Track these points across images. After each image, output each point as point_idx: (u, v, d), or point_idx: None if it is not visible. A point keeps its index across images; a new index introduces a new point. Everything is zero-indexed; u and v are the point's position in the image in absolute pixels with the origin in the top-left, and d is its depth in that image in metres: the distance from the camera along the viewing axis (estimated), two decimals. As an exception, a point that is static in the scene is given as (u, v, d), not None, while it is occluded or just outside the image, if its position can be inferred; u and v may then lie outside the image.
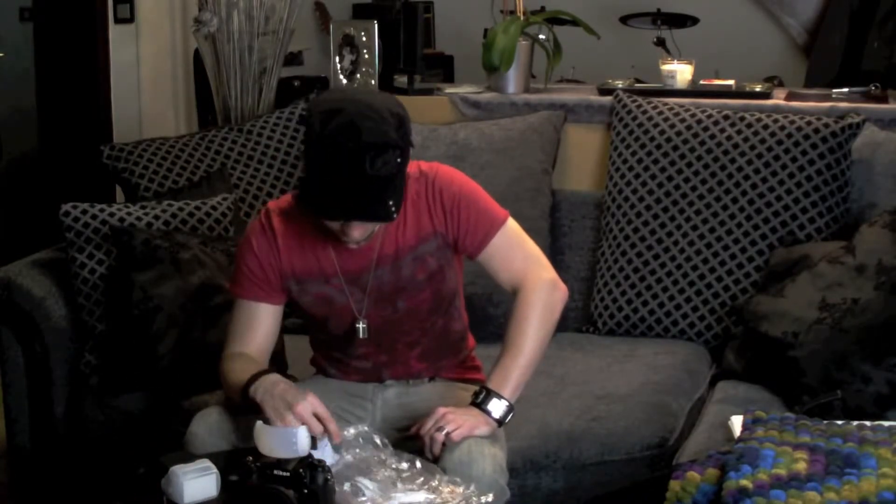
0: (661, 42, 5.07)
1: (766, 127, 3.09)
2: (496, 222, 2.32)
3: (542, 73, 3.73)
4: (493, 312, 3.11)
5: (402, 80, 3.82)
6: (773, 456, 2.06)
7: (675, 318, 3.09)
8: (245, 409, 2.16)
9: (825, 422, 2.28)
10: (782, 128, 3.07)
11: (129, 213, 3.02)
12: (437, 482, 2.05)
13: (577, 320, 3.27)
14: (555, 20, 3.94)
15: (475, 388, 2.28)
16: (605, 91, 3.53)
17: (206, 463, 2.02)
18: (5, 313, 2.97)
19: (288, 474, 1.93)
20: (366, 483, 2.03)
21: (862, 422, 2.30)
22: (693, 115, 3.19)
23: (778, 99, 3.36)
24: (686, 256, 3.09)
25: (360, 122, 2.06)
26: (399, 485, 2.04)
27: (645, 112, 3.24)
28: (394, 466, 2.08)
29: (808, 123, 3.06)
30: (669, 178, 3.15)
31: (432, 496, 2.01)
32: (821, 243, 2.94)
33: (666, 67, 3.59)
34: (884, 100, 3.30)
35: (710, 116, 3.17)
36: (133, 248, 2.90)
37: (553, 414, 2.64)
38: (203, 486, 1.99)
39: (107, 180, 3.75)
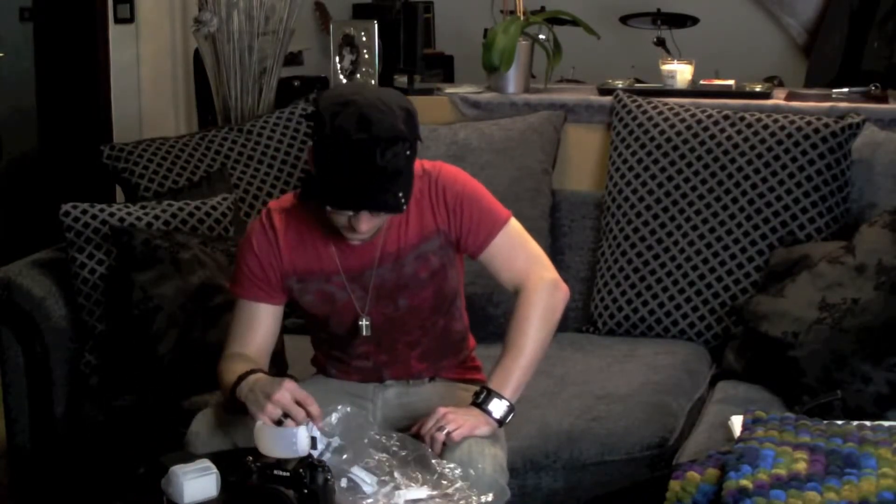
0: (661, 42, 5.08)
1: (766, 127, 3.09)
2: (498, 222, 2.33)
3: (542, 73, 3.73)
4: (493, 312, 3.11)
5: (402, 80, 3.82)
6: (773, 456, 2.06)
7: (675, 318, 3.09)
8: (236, 411, 2.16)
9: (825, 422, 2.28)
10: (782, 128, 3.07)
11: (129, 213, 3.02)
12: (436, 471, 2.05)
13: (577, 320, 3.27)
14: (555, 20, 3.94)
15: (476, 388, 2.28)
16: (605, 91, 3.53)
17: (206, 463, 2.02)
18: (5, 313, 2.97)
19: (288, 474, 1.93)
20: (363, 476, 2.03)
21: (862, 422, 2.30)
22: (693, 115, 3.19)
23: (778, 99, 3.36)
24: (686, 256, 3.09)
25: (371, 115, 2.07)
26: (396, 473, 2.04)
27: (645, 112, 3.24)
28: (384, 443, 2.09)
29: (808, 123, 3.06)
30: (669, 178, 3.15)
31: (434, 491, 2.01)
32: (821, 243, 2.94)
33: (666, 67, 3.59)
34: (884, 100, 3.30)
35: (710, 116, 3.17)
36: (133, 248, 2.90)
37: (553, 414, 2.64)
38: (203, 486, 1.99)
39: (107, 180, 3.75)
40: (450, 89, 3.75)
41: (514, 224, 2.36)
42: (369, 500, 1.99)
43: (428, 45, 5.42)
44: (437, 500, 2.00)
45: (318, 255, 2.29)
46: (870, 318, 2.55)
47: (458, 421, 2.17)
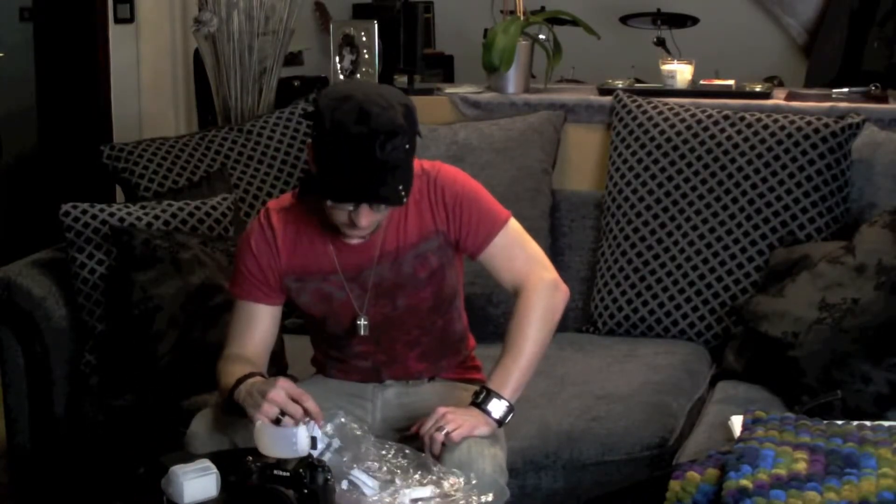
0: (661, 42, 5.07)
1: (766, 127, 3.09)
2: (498, 222, 2.33)
3: (542, 73, 3.73)
4: (493, 312, 3.11)
5: (402, 80, 3.82)
6: (773, 456, 2.06)
7: (675, 318, 3.09)
8: (234, 413, 2.16)
9: (825, 422, 2.28)
10: (782, 128, 3.07)
11: (129, 213, 3.02)
12: (436, 472, 2.05)
13: (577, 320, 3.27)
14: (555, 20, 3.94)
15: (475, 388, 2.28)
16: (605, 91, 3.53)
17: (206, 463, 2.02)
18: (5, 313, 2.97)
19: (288, 474, 1.93)
20: (364, 479, 2.03)
21: (862, 422, 2.30)
22: (693, 115, 3.19)
23: (778, 99, 3.36)
24: (686, 256, 3.09)
25: (370, 109, 2.08)
26: (398, 479, 2.04)
27: (645, 112, 3.24)
28: (382, 454, 2.09)
29: (808, 123, 3.06)
30: (669, 178, 3.15)
31: (436, 490, 2.01)
32: (821, 243, 2.94)
33: (666, 67, 3.59)
34: (884, 100, 3.30)
35: (710, 116, 3.17)
36: (133, 248, 2.90)
37: (553, 414, 2.64)
38: (203, 486, 1.99)
39: (107, 180, 3.75)
40: (450, 89, 3.75)
41: (514, 224, 2.36)
42: (374, 499, 1.99)
43: (428, 45, 5.42)
44: (438, 499, 2.00)
45: (316, 254, 2.29)
46: (870, 318, 2.55)
47: (458, 421, 2.17)
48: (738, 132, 3.11)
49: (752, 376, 2.76)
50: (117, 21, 4.70)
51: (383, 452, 2.12)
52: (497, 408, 2.22)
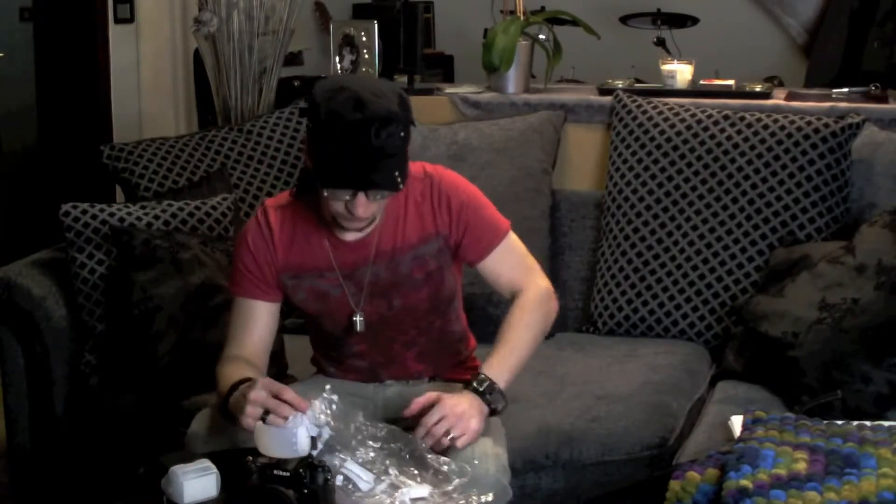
0: (661, 42, 5.07)
1: (766, 127, 3.09)
2: (500, 232, 2.35)
3: (542, 73, 3.73)
4: (492, 312, 3.11)
5: (402, 80, 3.82)
6: (773, 456, 2.06)
7: (675, 318, 3.09)
8: (230, 419, 2.16)
9: (825, 422, 2.28)
10: (782, 128, 3.07)
11: (129, 213, 3.02)
12: (432, 467, 2.05)
13: (577, 320, 3.27)
14: (555, 20, 3.94)
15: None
16: (605, 91, 3.53)
17: (206, 463, 2.02)
18: (5, 313, 2.97)
19: (288, 474, 1.93)
20: (359, 473, 2.02)
21: (862, 422, 2.30)
22: (693, 115, 3.19)
23: (778, 99, 3.36)
24: (686, 256, 3.09)
25: (365, 97, 2.10)
26: (392, 470, 2.04)
27: (645, 112, 3.24)
28: (372, 432, 2.11)
29: (808, 123, 3.06)
30: (669, 178, 3.15)
31: (434, 490, 2.01)
32: (821, 243, 2.94)
33: (666, 67, 3.59)
34: (884, 100, 3.30)
35: (710, 116, 3.17)
36: (133, 248, 2.90)
37: (553, 414, 2.64)
38: (203, 486, 1.99)
39: (107, 180, 3.75)
40: (450, 89, 3.75)
41: (513, 235, 2.38)
42: (374, 499, 1.99)
43: (428, 45, 5.42)
44: (438, 499, 2.00)
45: (313, 250, 2.30)
46: (870, 318, 2.55)
47: (463, 426, 2.15)
48: (738, 132, 3.11)
49: (752, 376, 2.76)
50: (117, 21, 4.70)
51: (371, 427, 2.12)
52: (497, 400, 2.23)
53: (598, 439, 2.54)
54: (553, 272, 3.28)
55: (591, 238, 3.32)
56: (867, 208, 3.02)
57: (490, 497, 2.01)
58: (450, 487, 2.03)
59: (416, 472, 2.06)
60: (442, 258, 2.32)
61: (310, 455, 2.01)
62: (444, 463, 2.08)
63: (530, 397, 2.72)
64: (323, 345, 2.48)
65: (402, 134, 2.13)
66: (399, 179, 2.14)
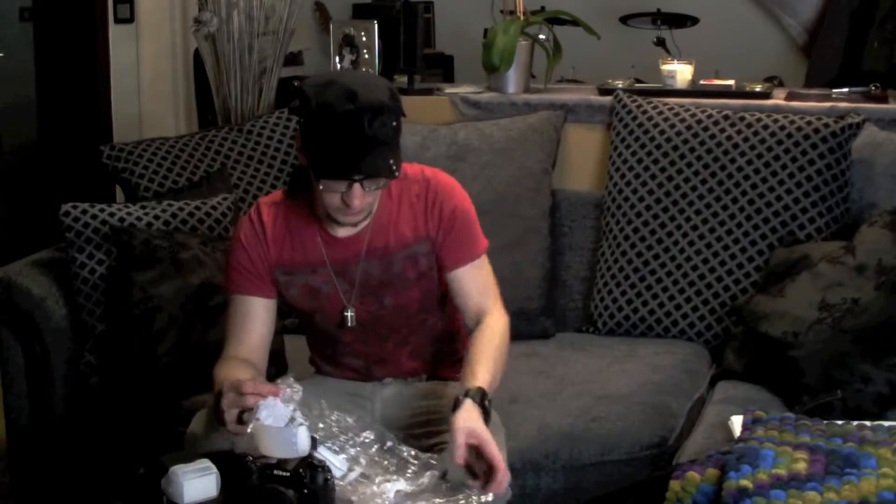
0: (661, 42, 5.07)
1: (766, 127, 3.09)
2: (479, 249, 2.35)
3: (542, 73, 3.73)
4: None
5: (402, 80, 3.82)
6: (773, 456, 2.06)
7: (675, 318, 3.09)
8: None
9: (825, 422, 2.28)
10: (782, 128, 3.07)
11: (129, 213, 3.02)
12: (400, 457, 2.06)
13: (577, 320, 3.27)
14: (555, 20, 3.94)
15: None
16: (605, 91, 3.53)
17: (206, 463, 2.02)
18: (5, 313, 2.97)
19: (288, 474, 1.93)
20: (331, 459, 2.02)
21: (862, 422, 2.30)
22: (693, 115, 3.19)
23: (778, 99, 3.36)
24: (686, 256, 3.09)
25: (355, 89, 2.11)
26: (363, 459, 2.05)
27: (645, 112, 3.24)
28: (344, 427, 2.11)
29: (808, 123, 3.06)
30: (669, 178, 3.15)
31: (409, 486, 2.02)
32: (821, 243, 2.94)
33: (666, 67, 3.59)
34: (884, 100, 3.30)
35: (710, 116, 3.17)
36: (133, 248, 2.90)
37: (553, 414, 2.64)
38: (203, 486, 1.99)
39: (107, 180, 3.75)
40: (450, 89, 3.75)
41: (486, 258, 2.37)
42: (360, 490, 1.99)
43: (428, 45, 5.42)
44: (437, 501, 2.00)
45: (305, 247, 2.31)
46: (870, 318, 2.55)
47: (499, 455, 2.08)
48: (738, 132, 3.11)
49: (752, 376, 2.76)
50: (117, 21, 4.70)
51: (343, 423, 2.14)
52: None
53: (598, 439, 2.54)
54: (553, 272, 3.29)
55: (591, 238, 3.32)
56: (867, 208, 3.02)
57: (490, 497, 2.01)
58: (422, 480, 2.02)
59: (385, 463, 2.07)
60: (433, 259, 2.33)
61: (310, 455, 2.01)
62: (415, 456, 2.08)
63: (530, 397, 2.72)
64: (318, 344, 2.49)
65: (394, 123, 2.14)
66: (394, 167, 2.15)
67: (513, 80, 3.60)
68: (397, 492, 2.01)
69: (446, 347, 2.46)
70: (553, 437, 2.55)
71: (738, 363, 2.82)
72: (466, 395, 2.12)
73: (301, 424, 2.04)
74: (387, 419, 2.38)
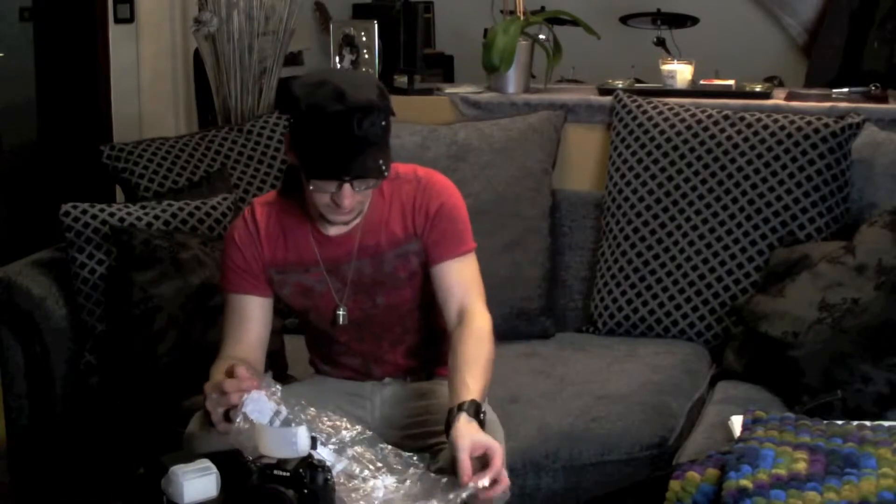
0: (661, 42, 5.07)
1: (766, 127, 3.09)
2: (466, 245, 2.33)
3: (542, 73, 3.73)
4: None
5: (402, 80, 3.82)
6: (773, 456, 2.06)
7: (675, 318, 3.09)
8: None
9: (825, 422, 2.28)
10: (782, 128, 3.07)
11: (129, 213, 3.02)
12: (382, 454, 2.07)
13: (577, 320, 3.27)
14: (555, 20, 3.94)
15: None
16: (605, 91, 3.53)
17: (206, 463, 2.02)
18: (5, 313, 2.97)
19: (288, 474, 1.93)
20: (323, 454, 2.02)
21: (862, 422, 2.30)
22: (693, 115, 3.19)
23: (778, 99, 3.36)
24: (686, 256, 3.09)
25: (344, 89, 2.12)
26: (349, 450, 2.05)
27: (645, 112, 3.24)
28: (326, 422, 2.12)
29: (808, 123, 3.06)
30: (669, 178, 3.15)
31: (393, 478, 2.03)
32: (821, 243, 2.94)
33: (666, 67, 3.59)
34: (884, 100, 3.30)
35: (710, 116, 3.17)
36: (133, 248, 2.90)
37: (553, 414, 2.64)
38: (203, 486, 1.99)
39: (107, 180, 3.75)
40: (450, 89, 3.75)
41: (474, 259, 2.34)
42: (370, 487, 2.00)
43: (428, 45, 5.42)
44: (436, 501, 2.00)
45: (298, 246, 2.32)
46: (870, 318, 2.55)
47: (505, 477, 2.03)
48: (738, 132, 3.11)
49: (752, 376, 2.76)
50: (117, 21, 4.70)
51: (325, 418, 2.14)
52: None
53: (598, 439, 2.54)
54: (553, 272, 3.29)
55: (591, 238, 3.32)
56: (867, 208, 3.02)
57: (486, 481, 1.99)
58: (409, 473, 2.03)
59: (369, 456, 2.07)
60: (423, 258, 2.33)
61: (310, 455, 2.01)
62: (397, 453, 2.08)
63: (530, 397, 2.72)
64: (316, 343, 2.50)
65: (384, 123, 2.15)
66: (383, 167, 2.15)
67: (513, 80, 3.60)
68: (385, 488, 2.01)
69: (444, 346, 2.46)
70: (553, 437, 2.55)
71: (738, 363, 2.82)
72: (460, 408, 2.06)
73: (301, 424, 2.04)
74: (386, 419, 2.38)
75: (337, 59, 3.75)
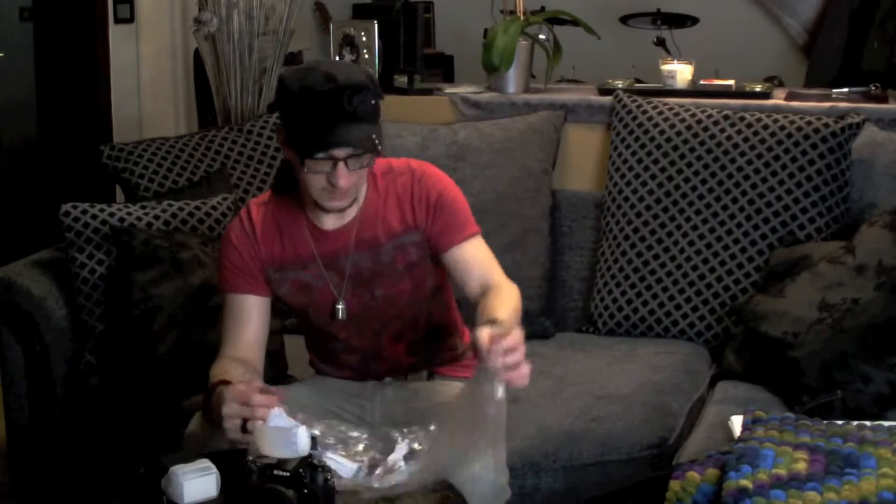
0: (661, 42, 5.07)
1: (766, 127, 3.09)
2: (473, 228, 2.33)
3: (542, 73, 3.73)
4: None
5: (402, 80, 3.82)
6: (773, 456, 2.06)
7: (675, 318, 3.09)
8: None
9: (825, 422, 2.28)
10: (782, 128, 3.07)
11: (129, 213, 3.02)
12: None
13: (577, 320, 3.27)
14: (555, 20, 3.94)
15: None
16: (605, 91, 3.53)
17: (206, 463, 2.02)
18: (5, 313, 2.97)
19: (288, 474, 1.93)
20: (339, 461, 2.03)
21: (862, 422, 2.30)
22: (693, 115, 3.19)
23: (778, 99, 3.36)
24: (686, 256, 3.09)
25: (334, 72, 2.16)
26: (360, 446, 2.07)
27: (645, 112, 3.24)
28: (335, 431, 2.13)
29: (808, 123, 3.06)
30: (669, 178, 3.15)
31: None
32: (821, 243, 2.94)
33: (666, 67, 3.59)
34: (884, 100, 3.30)
35: (710, 116, 3.17)
36: (133, 248, 2.90)
37: (553, 414, 2.64)
38: (203, 486, 1.99)
39: (107, 180, 3.75)
40: (450, 89, 3.75)
41: (483, 240, 2.35)
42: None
43: (428, 45, 5.42)
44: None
45: (294, 242, 2.32)
46: (870, 318, 2.55)
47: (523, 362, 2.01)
48: (738, 132, 3.11)
49: (752, 376, 2.76)
50: (117, 21, 4.70)
51: (335, 429, 2.15)
52: None
53: (598, 439, 2.54)
54: (553, 272, 3.29)
55: (591, 238, 3.32)
56: (867, 208, 3.02)
57: (507, 343, 1.96)
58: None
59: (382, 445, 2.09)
60: (422, 251, 2.33)
61: (310, 455, 2.01)
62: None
63: (530, 397, 2.71)
64: (315, 343, 2.50)
65: (373, 101, 2.17)
66: (376, 141, 2.17)
67: (513, 80, 3.60)
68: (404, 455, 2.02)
69: (443, 343, 2.46)
70: (553, 437, 2.55)
71: (738, 363, 2.82)
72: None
73: (300, 424, 2.04)
74: (387, 418, 2.38)
75: (337, 59, 3.75)
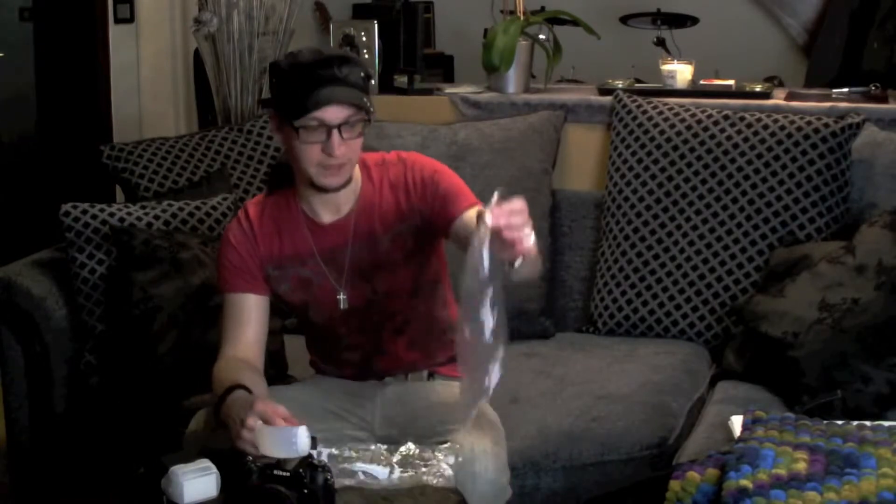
0: (661, 42, 5.07)
1: (766, 127, 3.09)
2: (474, 199, 2.28)
3: (542, 73, 3.73)
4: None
5: (402, 80, 3.82)
6: (773, 456, 2.06)
7: (675, 318, 3.09)
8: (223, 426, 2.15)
9: (825, 422, 2.28)
10: (782, 128, 3.07)
11: (129, 213, 3.02)
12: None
13: (577, 320, 3.27)
14: (555, 20, 3.94)
15: None
16: (605, 91, 3.53)
17: (206, 463, 2.02)
18: (5, 313, 2.97)
19: (288, 474, 1.93)
20: (370, 469, 2.04)
21: (862, 422, 2.30)
22: (693, 115, 3.19)
23: (778, 99, 3.36)
24: (686, 256, 3.09)
25: (324, 49, 2.23)
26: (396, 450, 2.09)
27: (645, 112, 3.24)
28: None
29: (808, 123, 3.06)
30: (669, 178, 3.15)
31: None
32: (821, 243, 2.94)
33: (666, 67, 3.59)
34: (884, 100, 3.30)
35: (710, 116, 3.17)
36: (133, 248, 2.90)
37: (553, 414, 2.64)
38: (203, 486, 1.99)
39: (107, 180, 3.75)
40: (450, 89, 3.75)
41: None
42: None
43: (428, 45, 5.41)
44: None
45: (293, 238, 2.33)
46: (870, 318, 2.55)
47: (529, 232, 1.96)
48: (738, 132, 3.11)
49: (752, 376, 2.76)
50: (117, 21, 4.70)
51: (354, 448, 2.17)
52: None
53: (598, 439, 2.54)
54: (553, 272, 3.29)
55: (591, 238, 3.32)
56: (867, 208, 3.02)
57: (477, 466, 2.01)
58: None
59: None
60: (422, 238, 2.32)
61: (310, 455, 2.01)
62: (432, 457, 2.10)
63: (530, 397, 2.72)
64: (316, 341, 2.50)
65: (362, 75, 2.21)
66: (368, 104, 2.19)
67: (513, 80, 3.60)
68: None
69: (444, 338, 2.46)
70: (553, 437, 2.55)
71: (738, 363, 2.82)
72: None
73: (300, 424, 2.04)
74: (387, 418, 2.38)
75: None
